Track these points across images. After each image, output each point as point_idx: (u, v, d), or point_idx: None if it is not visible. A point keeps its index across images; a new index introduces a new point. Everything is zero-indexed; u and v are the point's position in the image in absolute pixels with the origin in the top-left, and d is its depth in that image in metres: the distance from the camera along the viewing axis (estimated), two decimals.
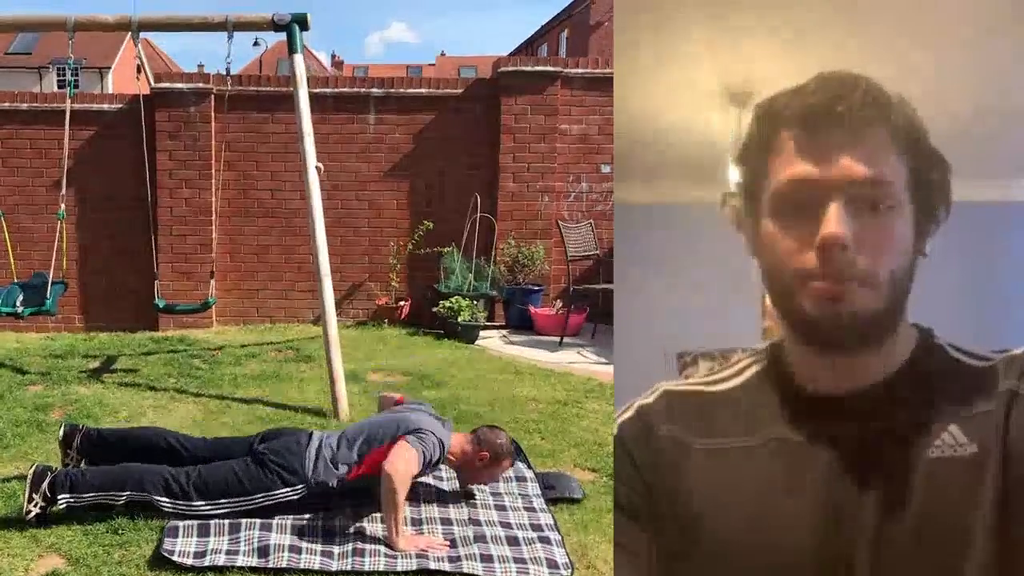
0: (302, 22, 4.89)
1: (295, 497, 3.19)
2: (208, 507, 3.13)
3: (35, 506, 3.08)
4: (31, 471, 3.15)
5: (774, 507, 1.09)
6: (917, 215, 1.09)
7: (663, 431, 1.20)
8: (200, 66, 43.34)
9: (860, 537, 1.05)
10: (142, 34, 5.10)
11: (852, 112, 1.05)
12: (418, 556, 2.94)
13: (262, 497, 3.16)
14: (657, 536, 1.16)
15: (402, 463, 3.07)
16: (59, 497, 3.10)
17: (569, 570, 2.92)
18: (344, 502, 3.27)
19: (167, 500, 3.13)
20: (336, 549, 2.98)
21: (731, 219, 1.19)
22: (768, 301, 1.17)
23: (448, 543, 3.06)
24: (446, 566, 2.90)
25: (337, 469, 3.23)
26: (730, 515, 1.12)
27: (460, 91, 7.25)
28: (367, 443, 3.27)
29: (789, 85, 1.11)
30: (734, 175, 1.20)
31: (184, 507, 3.13)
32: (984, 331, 5.11)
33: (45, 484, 3.10)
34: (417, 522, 3.24)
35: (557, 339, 6.55)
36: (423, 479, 3.58)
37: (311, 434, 3.37)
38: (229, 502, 3.15)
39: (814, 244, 1.04)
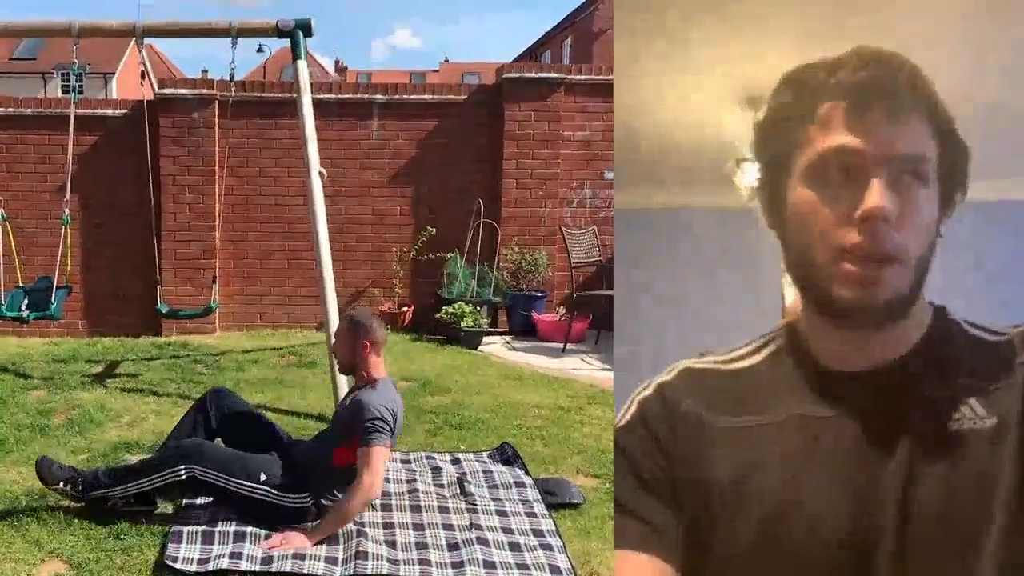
0: (306, 28, 4.89)
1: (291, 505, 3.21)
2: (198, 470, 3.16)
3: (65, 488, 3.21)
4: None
5: (796, 483, 1.09)
6: (942, 197, 1.11)
7: (684, 407, 1.19)
8: (204, 72, 43.37)
9: (883, 512, 1.05)
10: (146, 40, 5.11)
11: (899, 89, 1.06)
12: (420, 562, 2.94)
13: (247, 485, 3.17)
14: (679, 512, 1.15)
15: (380, 479, 3.12)
16: (92, 494, 3.20)
17: None
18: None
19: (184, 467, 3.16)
20: (340, 555, 2.98)
21: (747, 194, 1.18)
22: (787, 301, 1.16)
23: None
24: (449, 572, 2.90)
25: (312, 475, 3.24)
26: (753, 492, 1.11)
27: (463, 97, 7.27)
28: (329, 443, 3.30)
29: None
30: (757, 151, 1.19)
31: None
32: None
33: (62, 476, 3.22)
34: (419, 527, 3.24)
35: (560, 345, 6.54)
36: (423, 488, 3.58)
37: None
38: (222, 476, 3.18)
39: (853, 217, 1.05)
